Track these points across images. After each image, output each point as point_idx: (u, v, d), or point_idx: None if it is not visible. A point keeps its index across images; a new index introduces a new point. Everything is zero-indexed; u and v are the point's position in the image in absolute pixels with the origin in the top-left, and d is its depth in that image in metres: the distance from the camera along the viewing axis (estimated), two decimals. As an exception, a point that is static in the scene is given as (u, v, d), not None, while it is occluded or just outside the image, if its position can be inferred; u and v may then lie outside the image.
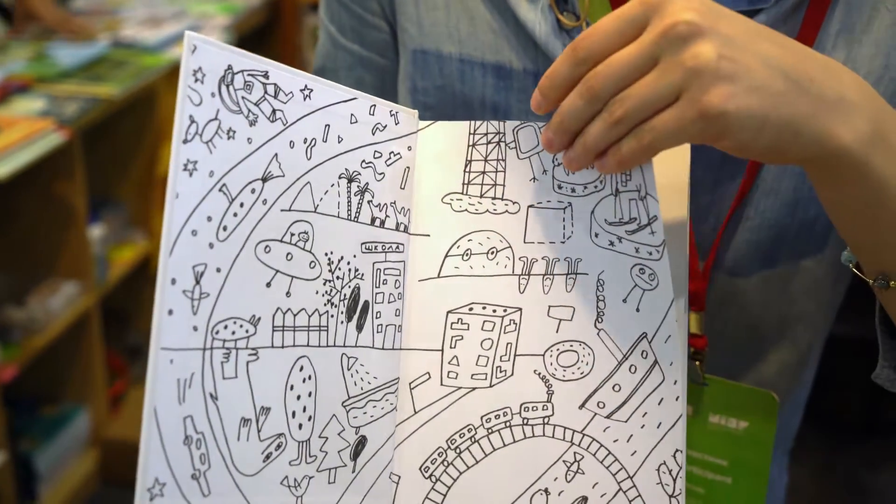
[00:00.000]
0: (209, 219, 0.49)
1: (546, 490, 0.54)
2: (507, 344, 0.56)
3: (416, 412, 0.57)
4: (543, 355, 0.55)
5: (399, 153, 0.59)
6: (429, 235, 0.58)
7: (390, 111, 0.58)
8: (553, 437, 0.55)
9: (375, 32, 0.74)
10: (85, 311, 2.14)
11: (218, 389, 0.49)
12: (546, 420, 0.55)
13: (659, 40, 0.47)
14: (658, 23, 0.47)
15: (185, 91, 0.48)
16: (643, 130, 0.48)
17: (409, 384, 0.57)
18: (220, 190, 0.49)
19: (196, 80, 0.49)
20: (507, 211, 0.56)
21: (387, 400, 0.57)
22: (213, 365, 0.48)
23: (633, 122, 0.48)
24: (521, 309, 0.56)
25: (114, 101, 2.12)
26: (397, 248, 0.58)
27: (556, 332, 0.55)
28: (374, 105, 0.57)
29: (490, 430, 0.56)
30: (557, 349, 0.55)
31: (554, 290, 0.55)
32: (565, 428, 0.55)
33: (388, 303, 0.58)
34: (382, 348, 0.57)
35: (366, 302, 0.57)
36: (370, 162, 0.57)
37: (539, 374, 0.55)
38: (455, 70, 0.70)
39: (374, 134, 0.58)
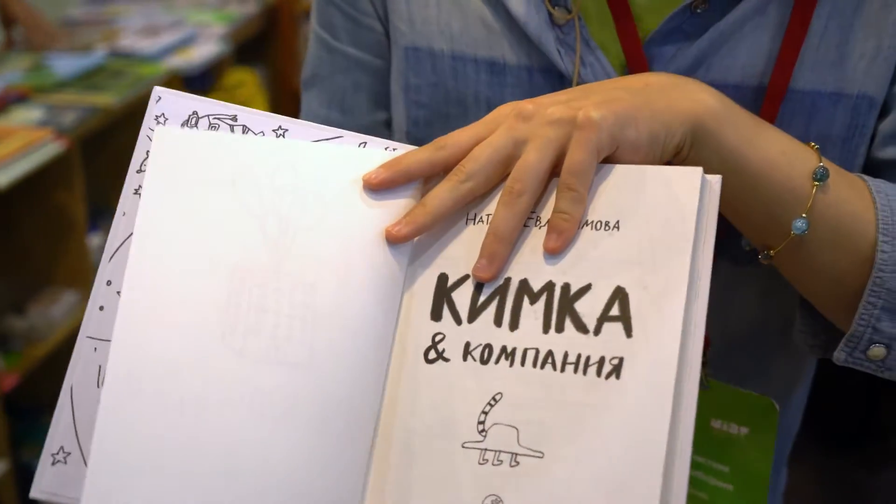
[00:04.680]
0: None
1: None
2: None
3: None
4: None
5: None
6: None
7: (384, 147, 0.58)
8: None
9: (369, 33, 0.74)
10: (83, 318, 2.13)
11: None
12: None
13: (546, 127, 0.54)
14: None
15: (145, 131, 0.55)
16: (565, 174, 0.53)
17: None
18: None
19: (158, 122, 0.55)
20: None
21: None
22: None
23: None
24: None
25: (112, 111, 2.12)
26: None
27: None
28: (365, 142, 0.59)
29: None
30: None
31: None
32: None
33: None
34: None
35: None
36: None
37: None
38: (448, 67, 0.70)
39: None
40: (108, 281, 0.53)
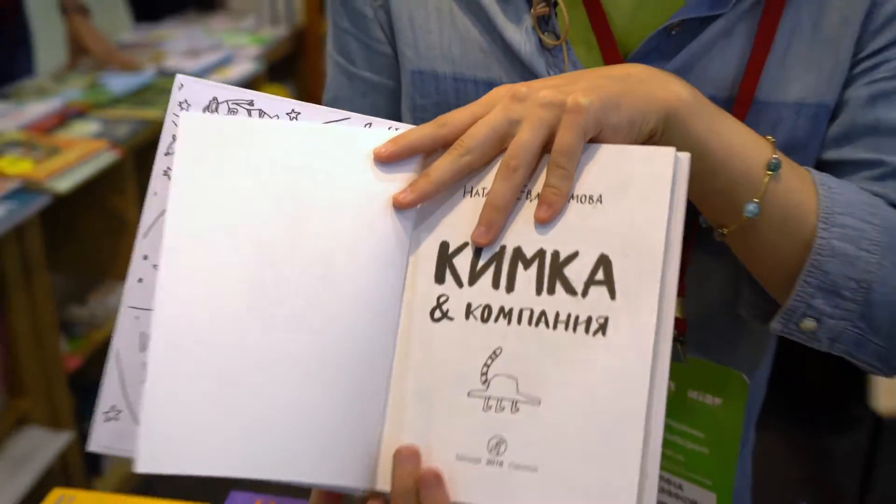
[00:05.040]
0: None
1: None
2: None
3: None
4: None
5: None
6: None
7: (388, 127, 0.58)
8: None
9: (382, 58, 0.74)
10: (138, 307, 2.14)
11: None
12: None
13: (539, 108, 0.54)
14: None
15: (170, 117, 0.54)
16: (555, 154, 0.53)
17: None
18: None
19: (181, 108, 0.54)
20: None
21: None
22: None
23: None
24: None
25: (160, 123, 2.07)
26: None
27: None
28: (370, 123, 0.58)
29: None
30: None
31: None
32: None
33: None
34: None
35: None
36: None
37: None
38: (450, 88, 0.70)
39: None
40: (145, 255, 0.52)
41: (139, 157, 2.04)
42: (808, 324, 0.60)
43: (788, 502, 2.21)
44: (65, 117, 2.08)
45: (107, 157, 1.89)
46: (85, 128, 2.03)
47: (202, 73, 2.46)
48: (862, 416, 2.56)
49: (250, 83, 2.61)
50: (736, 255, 0.64)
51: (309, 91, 3.06)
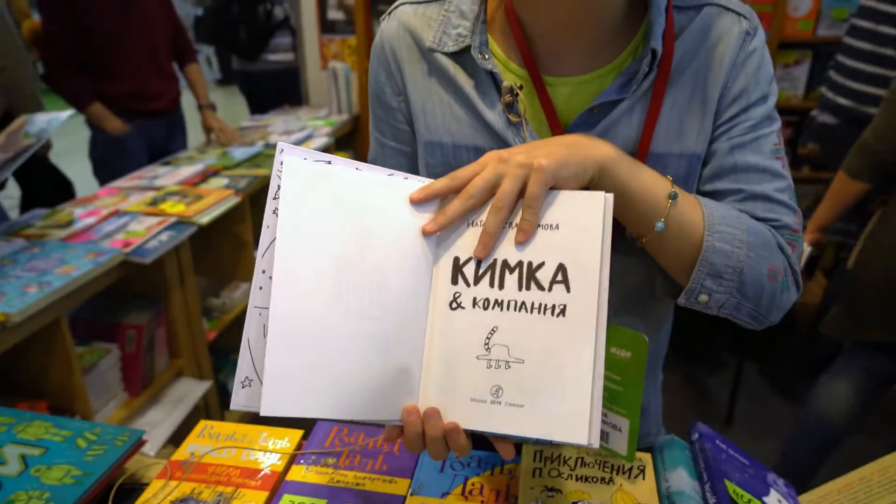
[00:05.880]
0: None
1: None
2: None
3: None
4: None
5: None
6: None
7: (419, 180, 0.57)
8: None
9: (404, 133, 0.73)
10: (253, 299, 2.16)
11: None
12: None
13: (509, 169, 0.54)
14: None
15: (275, 172, 0.52)
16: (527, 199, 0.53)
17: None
18: None
19: (281, 164, 0.52)
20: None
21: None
22: None
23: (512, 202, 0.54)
24: None
25: (267, 177, 2.13)
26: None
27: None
28: (407, 177, 0.57)
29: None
30: None
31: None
32: None
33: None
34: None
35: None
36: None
37: None
38: (450, 152, 0.69)
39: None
40: (263, 270, 0.51)
41: (253, 199, 2.06)
42: (703, 298, 0.60)
43: (683, 421, 2.19)
44: (205, 176, 2.10)
45: (232, 201, 1.91)
46: (218, 182, 2.04)
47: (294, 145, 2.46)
48: (729, 361, 2.55)
49: (326, 149, 2.60)
50: (650, 256, 0.63)
51: (362, 155, 3.06)
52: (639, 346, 0.56)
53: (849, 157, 1.50)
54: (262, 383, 0.48)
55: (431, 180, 0.56)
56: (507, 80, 0.65)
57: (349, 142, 3.03)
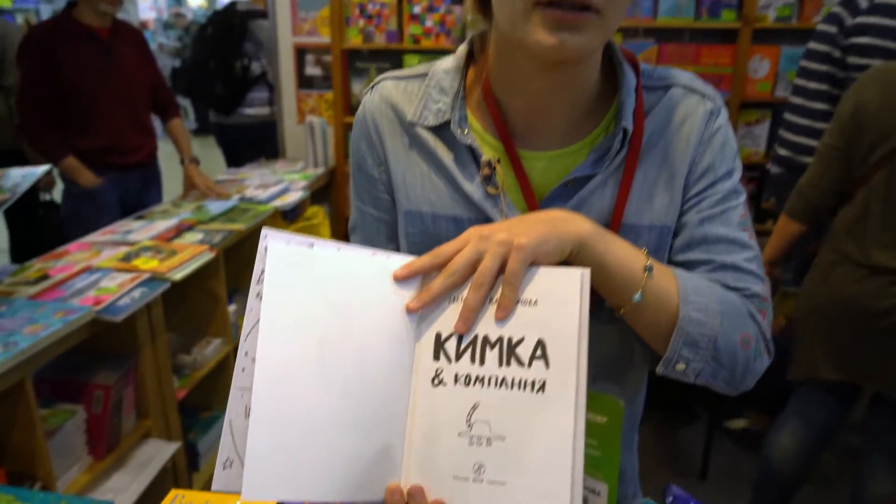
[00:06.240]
0: None
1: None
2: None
3: None
4: None
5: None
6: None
7: (401, 258, 0.57)
8: None
9: (384, 202, 0.74)
10: (225, 355, 2.11)
11: None
12: None
13: (489, 246, 0.55)
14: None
15: (259, 256, 0.52)
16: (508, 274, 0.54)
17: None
18: None
19: (265, 250, 0.52)
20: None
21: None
22: None
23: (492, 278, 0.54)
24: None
25: (241, 232, 2.12)
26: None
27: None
28: (390, 255, 0.57)
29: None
30: None
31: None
32: None
33: None
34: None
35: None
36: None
37: None
38: (430, 222, 0.70)
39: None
40: (246, 352, 0.50)
41: (227, 254, 2.05)
42: (680, 366, 0.60)
43: (659, 477, 2.18)
44: (180, 230, 2.08)
45: (206, 256, 1.89)
46: (193, 237, 2.02)
47: (269, 199, 2.46)
48: (702, 414, 2.56)
49: (300, 205, 2.63)
50: (627, 324, 0.63)
51: (338, 208, 3.06)
52: (616, 412, 0.56)
53: (789, 199, 1.63)
54: (243, 465, 0.47)
55: (414, 257, 0.57)
56: (486, 154, 0.66)
57: (324, 195, 3.03)
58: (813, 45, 1.93)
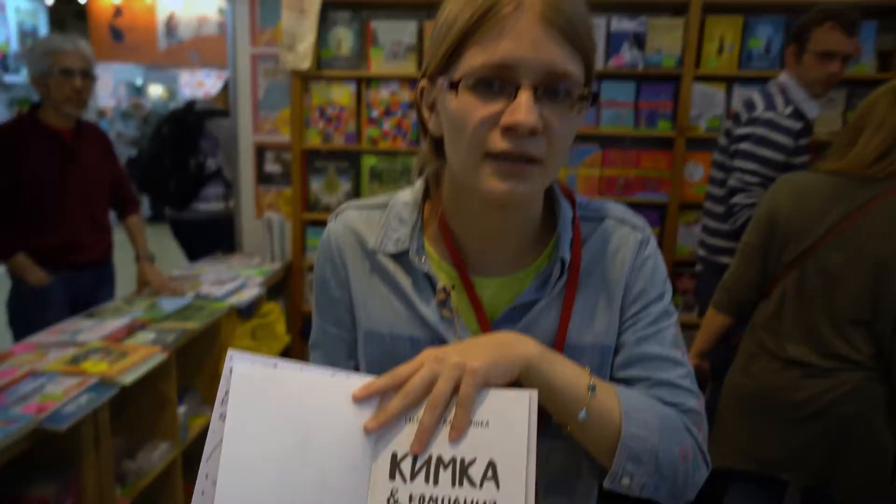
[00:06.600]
0: None
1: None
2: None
3: None
4: None
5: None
6: None
7: (360, 378, 0.58)
8: None
9: (345, 321, 0.77)
10: (172, 460, 2.03)
11: None
12: None
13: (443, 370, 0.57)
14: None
15: (224, 377, 0.53)
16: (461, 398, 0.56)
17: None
18: None
19: (230, 371, 0.53)
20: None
21: None
22: None
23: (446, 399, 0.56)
24: None
25: (196, 331, 2.09)
26: None
27: None
28: (349, 376, 0.58)
29: None
30: None
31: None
32: None
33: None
34: None
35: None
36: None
37: None
38: (388, 342, 0.72)
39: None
40: (206, 474, 0.50)
41: (180, 353, 2.00)
42: (625, 481, 0.62)
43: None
44: (132, 329, 2.03)
45: (158, 358, 1.85)
46: (145, 336, 1.98)
47: (225, 296, 2.43)
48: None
49: (256, 301, 2.61)
50: (574, 440, 0.64)
51: (293, 306, 3.03)
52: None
53: (715, 293, 1.76)
54: None
55: (373, 377, 0.58)
56: (441, 280, 0.71)
57: (281, 290, 3.02)
58: (714, 154, 2.25)
